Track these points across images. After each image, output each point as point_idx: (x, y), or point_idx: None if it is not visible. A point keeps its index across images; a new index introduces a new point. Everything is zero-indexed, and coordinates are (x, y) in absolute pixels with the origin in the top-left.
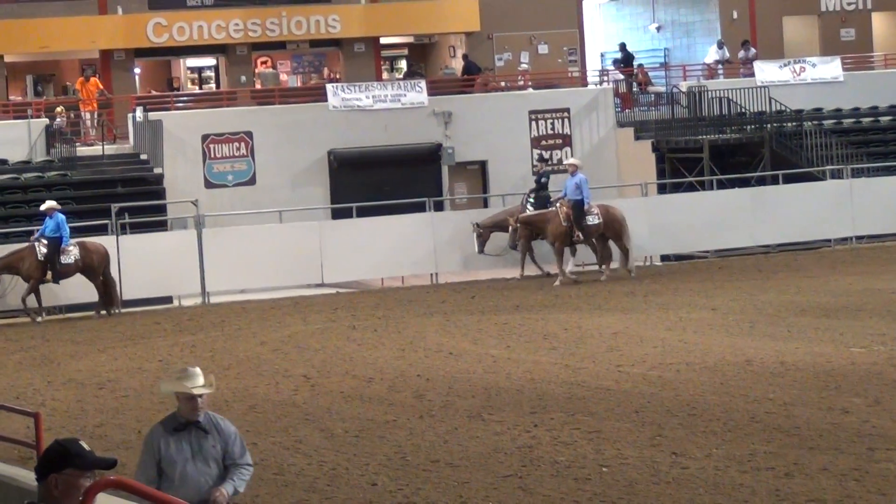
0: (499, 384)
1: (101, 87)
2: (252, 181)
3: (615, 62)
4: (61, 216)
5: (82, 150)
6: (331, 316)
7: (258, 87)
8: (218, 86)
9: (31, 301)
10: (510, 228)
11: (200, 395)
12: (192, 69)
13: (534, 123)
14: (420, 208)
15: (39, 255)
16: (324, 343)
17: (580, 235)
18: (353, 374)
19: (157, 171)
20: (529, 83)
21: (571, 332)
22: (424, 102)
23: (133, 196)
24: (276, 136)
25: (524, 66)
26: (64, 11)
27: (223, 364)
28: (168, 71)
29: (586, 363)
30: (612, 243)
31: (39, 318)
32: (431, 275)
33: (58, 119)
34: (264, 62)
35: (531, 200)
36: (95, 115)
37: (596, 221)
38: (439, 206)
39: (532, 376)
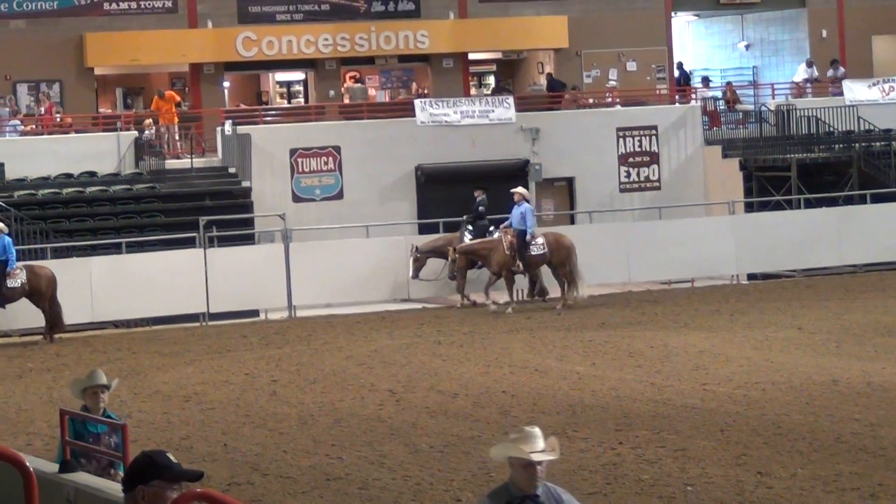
0: (584, 401)
1: (179, 98)
2: (339, 195)
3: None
4: (8, 238)
5: (171, 163)
6: (417, 331)
7: (346, 101)
8: (306, 100)
9: None
10: (449, 258)
11: (540, 463)
12: (281, 83)
13: (621, 140)
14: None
15: None
16: (409, 358)
17: (521, 265)
18: (439, 389)
19: (244, 184)
20: (617, 100)
21: (657, 350)
22: (512, 118)
23: (221, 209)
24: (364, 151)
25: (612, 83)
26: (154, 25)
27: (309, 378)
28: (257, 85)
29: (672, 381)
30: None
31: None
32: (517, 290)
33: (146, 131)
34: (353, 77)
35: (469, 228)
36: (177, 128)
37: (540, 251)
38: None
39: (617, 393)
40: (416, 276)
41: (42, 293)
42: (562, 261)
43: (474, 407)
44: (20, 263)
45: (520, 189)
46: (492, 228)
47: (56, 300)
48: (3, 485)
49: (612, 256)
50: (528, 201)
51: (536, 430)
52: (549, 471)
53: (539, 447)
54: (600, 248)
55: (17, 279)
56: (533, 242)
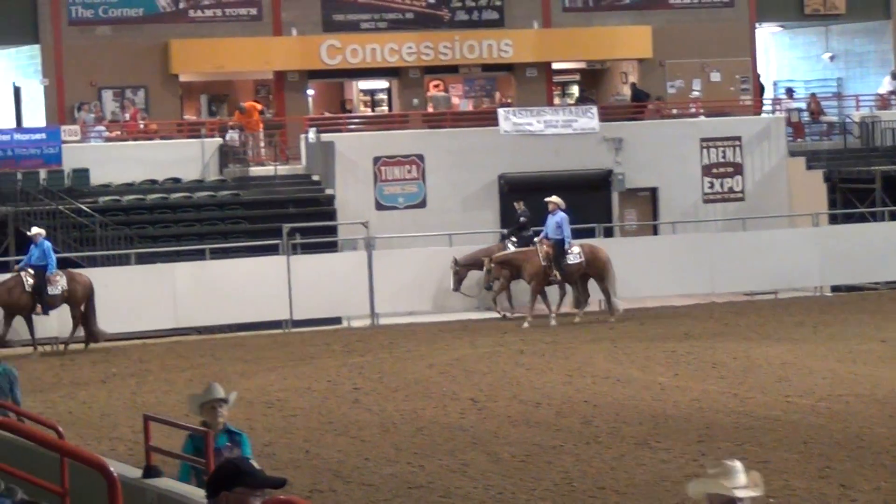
0: (666, 412)
1: (261, 106)
2: (422, 204)
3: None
4: (48, 243)
5: (255, 170)
6: (499, 340)
7: (430, 110)
8: (390, 108)
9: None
10: (484, 269)
11: (742, 500)
12: (365, 91)
13: (705, 151)
14: (590, 234)
15: (27, 286)
16: (492, 367)
17: (557, 275)
18: (521, 398)
19: (328, 192)
20: (701, 111)
21: (740, 362)
22: (596, 128)
23: (304, 217)
24: (447, 160)
25: (696, 93)
26: (239, 32)
27: (391, 386)
28: (341, 93)
29: (754, 393)
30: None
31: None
32: (599, 300)
33: (229, 132)
34: (436, 85)
35: (513, 240)
36: (261, 135)
37: (577, 261)
38: (609, 233)
39: (700, 405)
40: (457, 288)
41: (77, 300)
42: (598, 273)
43: (556, 416)
44: (60, 270)
45: (554, 198)
46: (536, 239)
47: (93, 308)
48: (87, 489)
49: (695, 267)
50: (563, 210)
51: (738, 465)
52: (633, 482)
53: (742, 482)
54: (683, 258)
55: (58, 285)
56: (569, 252)
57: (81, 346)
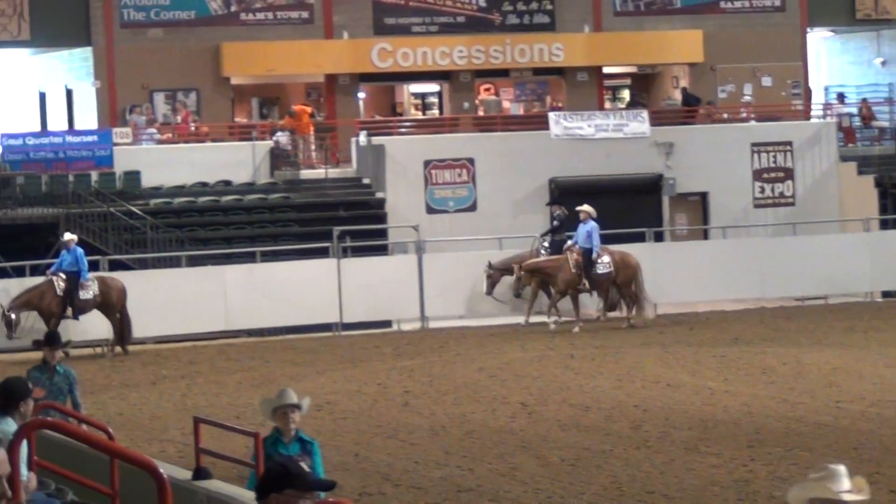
0: (716, 417)
1: (311, 110)
2: (473, 207)
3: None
4: (80, 249)
5: (305, 173)
6: (549, 344)
7: (481, 113)
8: (441, 112)
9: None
10: (514, 276)
11: None
12: (416, 95)
13: (755, 156)
14: (640, 238)
15: (58, 290)
16: (541, 371)
17: (586, 284)
18: (570, 402)
19: (379, 195)
20: (752, 115)
21: (790, 367)
22: (646, 133)
23: (355, 220)
24: (498, 164)
25: (747, 98)
26: (290, 35)
27: (441, 389)
28: (392, 96)
29: (804, 398)
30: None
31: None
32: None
33: (278, 133)
34: (487, 89)
35: (545, 245)
36: (312, 138)
37: (606, 270)
38: (659, 237)
39: (749, 410)
40: (489, 292)
41: (112, 305)
42: (627, 280)
43: (606, 421)
44: (92, 275)
45: (585, 207)
46: (569, 243)
47: (126, 312)
48: (137, 491)
49: (745, 272)
50: (594, 219)
51: (842, 468)
52: (683, 487)
53: (846, 486)
54: (734, 263)
55: (90, 290)
56: (599, 261)
57: (114, 347)
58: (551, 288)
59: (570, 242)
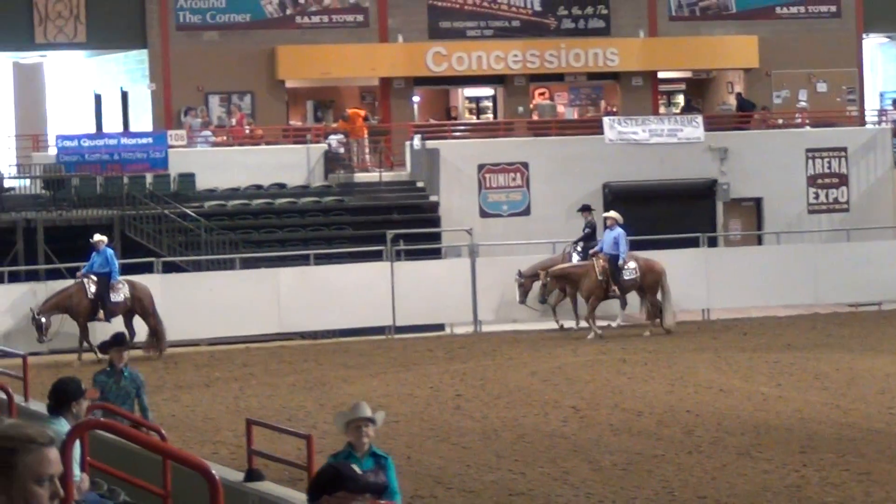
0: (768, 422)
1: (365, 113)
2: (526, 212)
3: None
4: (110, 251)
5: (359, 177)
6: (601, 348)
7: (535, 118)
8: (495, 116)
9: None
10: (540, 282)
11: None
12: (470, 99)
13: (810, 162)
14: (693, 244)
15: (89, 293)
16: (594, 375)
17: (616, 290)
18: (623, 407)
19: (432, 198)
20: (807, 121)
21: (843, 373)
22: (701, 138)
23: (408, 223)
24: (552, 168)
25: (802, 103)
26: (345, 39)
27: (493, 393)
28: (446, 100)
29: (857, 404)
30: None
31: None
32: (703, 310)
33: (332, 136)
34: (542, 93)
35: (578, 251)
36: (366, 142)
37: (632, 276)
38: (713, 242)
39: (802, 415)
40: (522, 300)
41: (146, 310)
42: (652, 286)
43: (658, 425)
44: (122, 278)
45: (612, 213)
46: (591, 252)
47: (157, 316)
48: (189, 492)
49: (799, 278)
50: (620, 226)
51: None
52: (735, 493)
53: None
54: (787, 269)
55: (121, 293)
56: (625, 267)
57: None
58: (579, 294)
59: (595, 248)
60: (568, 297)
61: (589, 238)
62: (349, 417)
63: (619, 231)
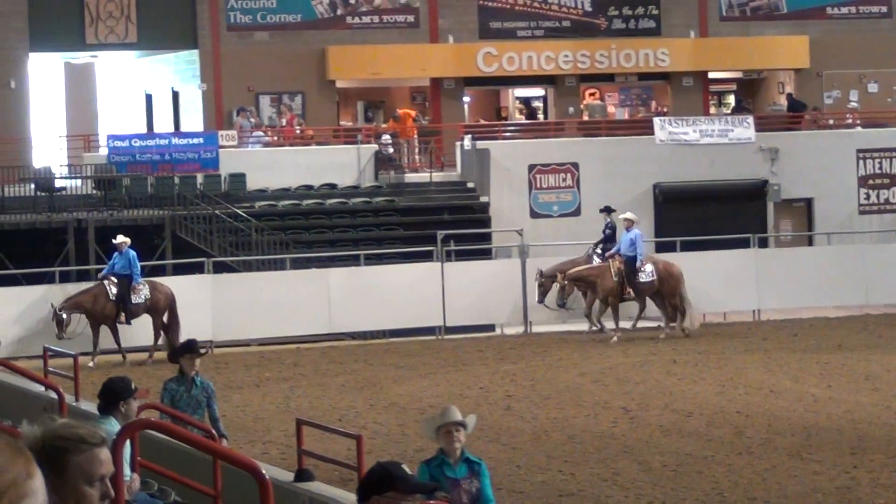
0: (819, 424)
1: (415, 113)
2: (577, 212)
3: None
4: (132, 252)
5: (410, 177)
6: (652, 349)
7: (585, 118)
8: (545, 116)
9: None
10: (558, 285)
11: None
12: (521, 99)
13: (861, 162)
14: (744, 244)
15: (111, 295)
16: (644, 376)
17: (632, 292)
18: (673, 408)
19: (483, 199)
20: (858, 122)
21: (894, 374)
22: (752, 138)
23: (459, 224)
24: (602, 168)
25: (853, 104)
26: (396, 39)
27: (543, 394)
28: (496, 100)
29: None
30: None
31: (91, 364)
32: (753, 311)
33: (383, 136)
34: (592, 94)
35: (598, 252)
36: (416, 142)
37: (649, 279)
38: (763, 243)
39: (853, 417)
40: (541, 300)
41: (159, 310)
42: (671, 290)
43: (708, 426)
44: (144, 279)
45: (629, 214)
46: (607, 254)
47: (176, 318)
48: (240, 492)
49: (849, 279)
50: (637, 227)
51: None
52: (785, 494)
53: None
54: (838, 270)
55: (142, 294)
56: (642, 269)
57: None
58: (598, 298)
59: (612, 250)
60: (585, 299)
61: (609, 240)
62: (439, 422)
63: (636, 232)
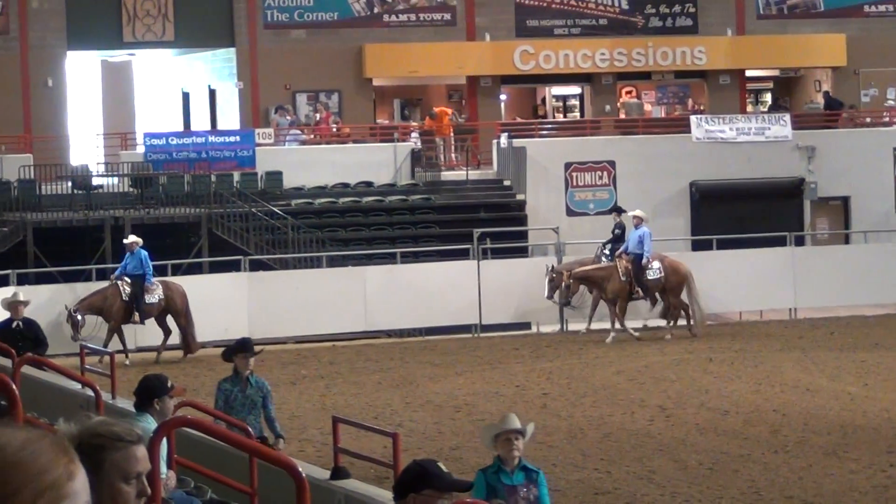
0: (855, 422)
1: (451, 111)
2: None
3: None
4: (144, 252)
5: (446, 175)
6: (688, 347)
7: (622, 116)
8: (582, 114)
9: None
10: (562, 284)
11: None
12: (557, 97)
13: None
14: (781, 242)
15: (124, 295)
16: (680, 374)
17: (640, 291)
18: (709, 406)
19: (519, 197)
20: (895, 120)
21: None
22: (788, 136)
23: (495, 221)
24: (639, 166)
25: (890, 102)
26: (432, 37)
27: (579, 392)
28: (533, 98)
29: None
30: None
31: (127, 361)
32: (790, 309)
33: (414, 133)
34: (629, 92)
35: (606, 252)
36: (452, 140)
37: (656, 276)
38: (800, 241)
39: (889, 415)
40: (550, 296)
41: (178, 310)
42: (675, 288)
43: (744, 425)
44: (157, 279)
45: (638, 212)
46: (620, 250)
47: (190, 317)
48: (276, 490)
49: (887, 277)
50: (646, 225)
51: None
52: (821, 492)
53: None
54: (875, 268)
55: (155, 294)
56: (649, 267)
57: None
58: (604, 299)
59: (620, 249)
60: (591, 299)
61: (618, 239)
62: (497, 430)
63: (644, 230)
